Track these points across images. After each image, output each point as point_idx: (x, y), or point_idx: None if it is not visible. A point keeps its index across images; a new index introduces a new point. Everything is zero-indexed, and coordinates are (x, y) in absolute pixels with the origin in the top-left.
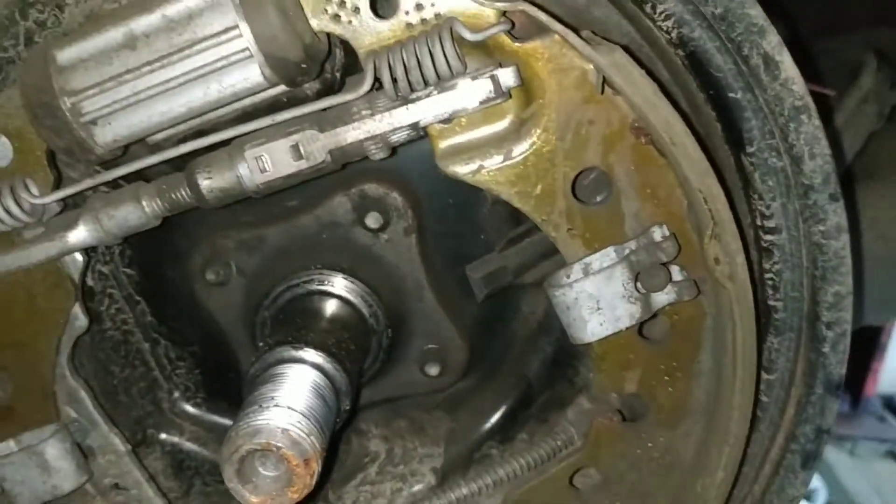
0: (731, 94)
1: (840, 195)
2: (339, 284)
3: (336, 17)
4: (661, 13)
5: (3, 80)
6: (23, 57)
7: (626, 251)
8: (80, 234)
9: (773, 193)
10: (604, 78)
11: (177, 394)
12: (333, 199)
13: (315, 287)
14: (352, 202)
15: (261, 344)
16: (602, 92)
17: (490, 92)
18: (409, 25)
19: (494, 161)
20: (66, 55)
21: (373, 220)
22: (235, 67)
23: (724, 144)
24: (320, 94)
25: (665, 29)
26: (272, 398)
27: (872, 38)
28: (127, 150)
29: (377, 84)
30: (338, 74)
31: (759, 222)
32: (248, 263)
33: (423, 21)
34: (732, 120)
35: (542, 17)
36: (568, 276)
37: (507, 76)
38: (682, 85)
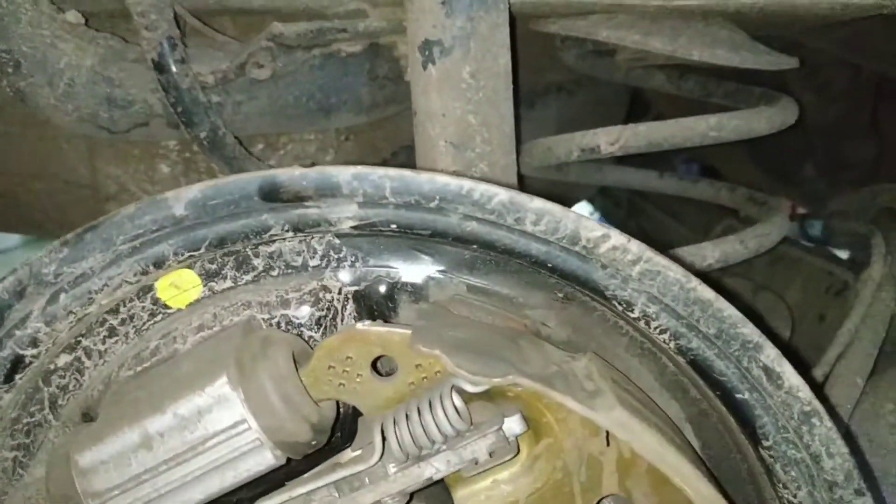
0: (738, 395)
1: (865, 490)
2: None
3: (341, 385)
4: (655, 328)
5: (33, 443)
6: (48, 419)
7: None
8: None
9: (798, 483)
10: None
11: None
12: None
13: None
14: None
15: None
16: (608, 444)
17: (497, 443)
18: (411, 384)
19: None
20: (87, 459)
21: None
22: (248, 455)
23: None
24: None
25: (663, 340)
26: None
27: (875, 196)
28: None
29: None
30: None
31: None
32: None
33: (425, 379)
34: (745, 417)
35: (538, 386)
36: None
37: (512, 426)
38: (692, 380)
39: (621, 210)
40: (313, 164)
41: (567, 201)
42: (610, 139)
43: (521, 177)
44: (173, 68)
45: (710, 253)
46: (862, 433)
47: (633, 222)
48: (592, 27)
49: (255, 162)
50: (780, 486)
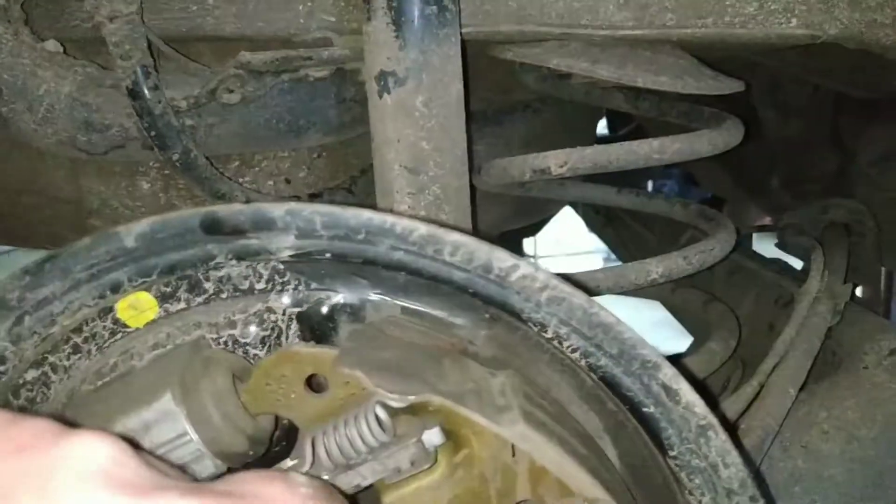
0: (645, 409)
1: (759, 496)
2: None
3: (277, 401)
4: (567, 347)
5: None
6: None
7: None
8: None
9: (702, 490)
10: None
11: None
12: None
13: None
14: None
15: None
16: (514, 455)
17: (418, 454)
18: (341, 400)
19: None
20: None
21: None
22: (191, 464)
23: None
24: None
25: (575, 358)
26: None
27: (825, 211)
28: None
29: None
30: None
31: None
32: None
33: (353, 395)
34: (652, 428)
35: (448, 403)
36: None
37: (431, 437)
38: (607, 393)
39: (601, 216)
40: (287, 181)
41: (548, 208)
42: (559, 161)
43: (474, 196)
44: (147, 95)
45: (653, 268)
46: (797, 439)
47: (612, 228)
48: (544, 55)
49: (226, 181)
50: (688, 492)
